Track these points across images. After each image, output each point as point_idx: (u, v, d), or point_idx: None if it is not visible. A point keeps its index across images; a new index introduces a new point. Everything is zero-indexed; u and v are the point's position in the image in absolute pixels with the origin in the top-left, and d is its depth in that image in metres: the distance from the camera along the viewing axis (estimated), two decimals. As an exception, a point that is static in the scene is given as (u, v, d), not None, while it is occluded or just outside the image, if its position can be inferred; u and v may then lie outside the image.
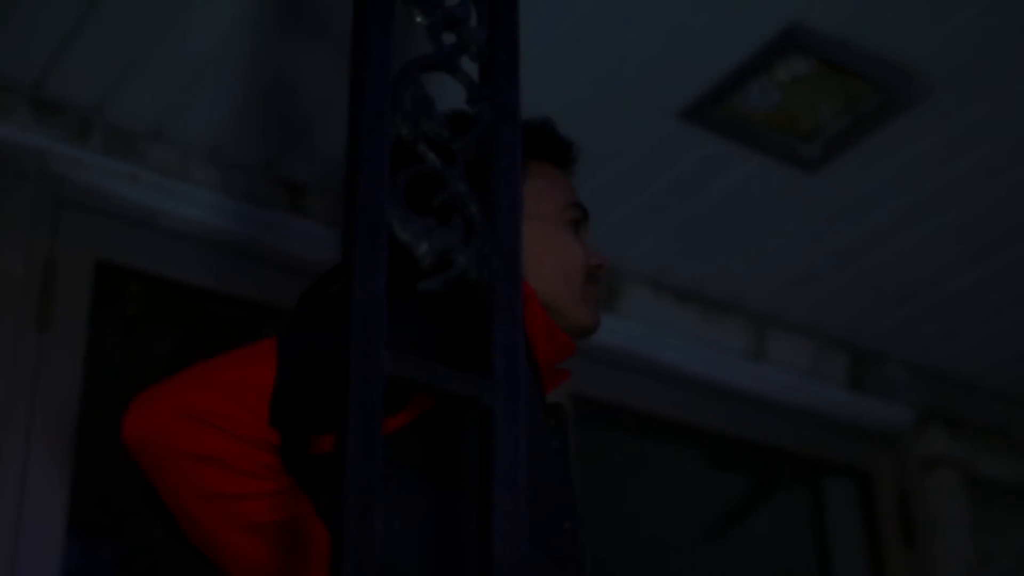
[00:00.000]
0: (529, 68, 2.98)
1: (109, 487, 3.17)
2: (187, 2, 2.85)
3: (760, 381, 3.93)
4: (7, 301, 2.94)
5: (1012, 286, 3.85)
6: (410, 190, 1.15)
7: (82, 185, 3.08)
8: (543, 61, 2.99)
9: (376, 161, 1.11)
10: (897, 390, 4.16)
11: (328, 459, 1.75)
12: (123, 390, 3.22)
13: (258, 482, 1.73)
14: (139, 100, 3.09)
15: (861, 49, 3.03)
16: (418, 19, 1.22)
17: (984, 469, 4.22)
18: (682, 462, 4.17)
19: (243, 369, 1.75)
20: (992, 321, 4.00)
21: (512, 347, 1.13)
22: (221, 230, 3.20)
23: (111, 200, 3.11)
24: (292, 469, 1.76)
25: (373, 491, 1.02)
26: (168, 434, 1.71)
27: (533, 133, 2.15)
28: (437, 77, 1.23)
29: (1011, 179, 3.44)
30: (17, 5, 2.84)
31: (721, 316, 3.89)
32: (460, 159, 1.18)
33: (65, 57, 2.97)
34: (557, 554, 1.85)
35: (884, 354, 4.16)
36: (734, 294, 3.87)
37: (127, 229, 3.15)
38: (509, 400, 1.11)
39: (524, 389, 1.12)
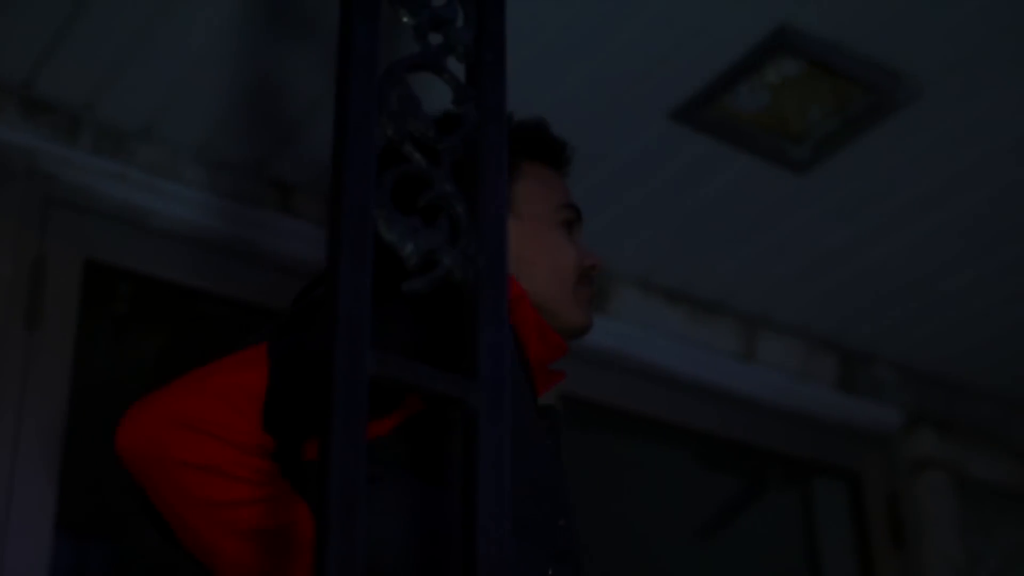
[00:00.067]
0: (519, 68, 2.98)
1: (99, 487, 3.17)
2: (176, 2, 2.85)
3: (750, 382, 3.93)
4: (-5, 300, 2.94)
5: (1002, 288, 3.85)
6: (396, 190, 1.15)
7: (71, 184, 3.08)
8: (533, 61, 2.99)
9: (361, 161, 1.11)
10: (886, 391, 4.16)
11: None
12: (112, 390, 3.23)
13: (253, 488, 1.73)
14: (128, 99, 3.09)
15: (851, 51, 3.04)
16: (404, 19, 1.21)
17: (973, 471, 4.22)
18: (672, 463, 4.17)
19: (235, 375, 1.75)
20: (982, 323, 4.00)
21: (497, 348, 1.13)
22: (210, 230, 3.20)
23: (100, 199, 3.11)
24: (288, 474, 1.76)
25: (357, 491, 1.02)
26: (162, 444, 1.71)
27: (526, 133, 2.15)
28: (424, 78, 1.23)
29: (1001, 181, 3.44)
30: (6, 4, 2.84)
31: (711, 317, 3.90)
32: (446, 159, 1.18)
33: (54, 56, 2.97)
34: (553, 552, 1.85)
35: (874, 355, 4.16)
36: (724, 295, 3.87)
37: (116, 228, 3.14)
38: (494, 401, 1.11)
39: (509, 390, 1.12)
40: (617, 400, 3.80)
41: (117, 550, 3.46)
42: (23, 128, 3.05)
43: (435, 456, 1.81)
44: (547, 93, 3.04)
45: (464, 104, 1.21)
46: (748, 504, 4.22)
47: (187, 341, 3.42)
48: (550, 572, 1.82)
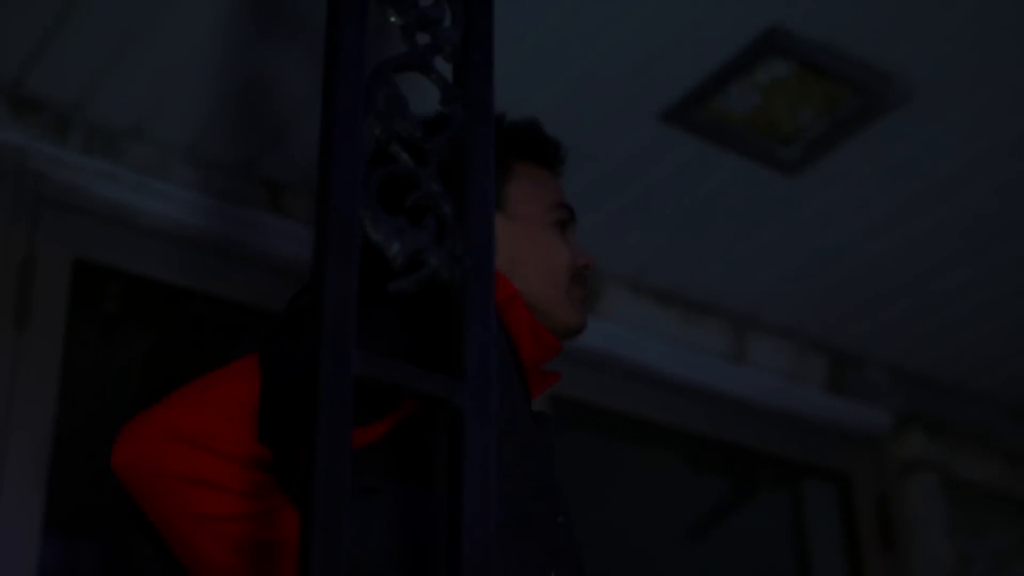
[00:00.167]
0: (510, 69, 2.99)
1: (88, 488, 3.16)
2: (167, 2, 2.84)
3: (740, 383, 3.94)
4: (-16, 298, 2.93)
5: (992, 289, 3.85)
6: (383, 190, 1.15)
7: (61, 183, 3.08)
8: (523, 62, 2.99)
9: (348, 161, 1.10)
10: (877, 393, 4.16)
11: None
12: (101, 389, 3.22)
13: (251, 502, 1.72)
14: (119, 99, 3.08)
15: (841, 52, 3.04)
16: (392, 19, 1.21)
17: (963, 472, 4.22)
18: (662, 464, 4.17)
19: (227, 387, 1.75)
20: (972, 324, 4.00)
21: (484, 348, 1.13)
22: (200, 229, 3.19)
23: (90, 198, 3.11)
24: (285, 486, 1.76)
25: (342, 492, 1.01)
26: (157, 459, 1.70)
27: (519, 133, 2.15)
28: (411, 78, 1.23)
29: (991, 182, 3.44)
30: (-4, 3, 2.84)
31: (701, 318, 3.90)
32: (433, 159, 1.18)
33: (45, 55, 2.97)
34: (552, 548, 1.86)
35: (864, 357, 4.16)
36: (714, 296, 3.87)
37: (106, 228, 3.14)
38: (480, 401, 1.10)
39: (496, 390, 1.12)
40: (607, 401, 3.80)
41: (106, 550, 3.46)
42: (13, 127, 3.05)
43: (428, 460, 1.81)
44: (537, 94, 3.04)
45: (451, 104, 1.21)
46: (738, 505, 4.22)
47: (177, 341, 3.42)
48: (553, 574, 1.83)
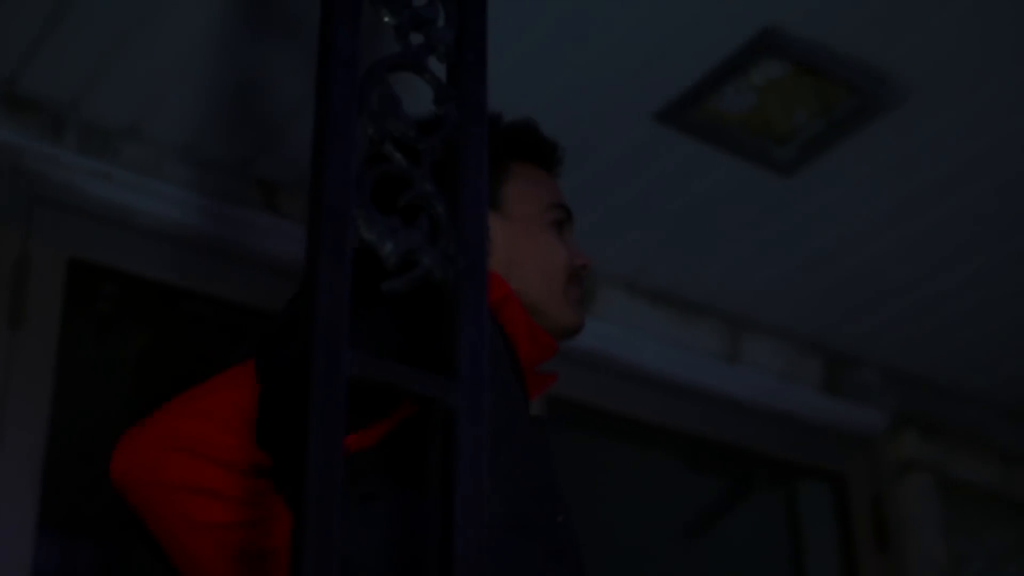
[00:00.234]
0: (505, 69, 2.99)
1: (83, 488, 3.16)
2: (162, 1, 2.84)
3: (735, 384, 3.93)
4: (-21, 298, 2.93)
5: (988, 290, 3.86)
6: (376, 190, 1.15)
7: (56, 183, 3.08)
8: (519, 62, 2.99)
9: (341, 161, 1.10)
10: (871, 394, 4.16)
11: None
12: (96, 389, 3.22)
13: (250, 510, 1.72)
14: (114, 98, 3.08)
15: (836, 53, 3.04)
16: (386, 19, 1.21)
17: (958, 473, 4.22)
18: (657, 464, 4.17)
19: (224, 394, 1.74)
20: (966, 325, 4.01)
21: (477, 348, 1.13)
22: (195, 229, 3.19)
23: (85, 198, 3.10)
24: (283, 491, 1.75)
25: (334, 493, 1.01)
26: (156, 468, 1.70)
27: (516, 134, 2.16)
28: (405, 77, 1.23)
29: (985, 183, 3.44)
30: (-9, 2, 2.84)
31: (696, 318, 3.90)
32: (426, 159, 1.18)
33: (39, 55, 2.96)
34: (554, 547, 1.86)
35: (859, 358, 4.16)
36: (709, 296, 3.87)
37: (101, 227, 3.14)
38: (473, 401, 1.10)
39: (489, 390, 1.12)
40: (602, 401, 3.80)
41: (100, 550, 3.46)
42: (7, 126, 3.04)
43: (425, 464, 1.81)
44: (533, 94, 3.04)
45: (445, 104, 1.21)
46: (733, 505, 4.22)
47: (171, 340, 3.42)
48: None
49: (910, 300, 3.90)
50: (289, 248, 3.20)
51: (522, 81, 3.03)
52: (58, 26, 2.89)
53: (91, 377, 3.23)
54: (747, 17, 2.95)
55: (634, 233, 3.59)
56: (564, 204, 2.16)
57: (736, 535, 4.19)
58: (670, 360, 3.83)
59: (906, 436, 4.15)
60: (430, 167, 1.18)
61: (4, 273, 2.97)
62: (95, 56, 2.97)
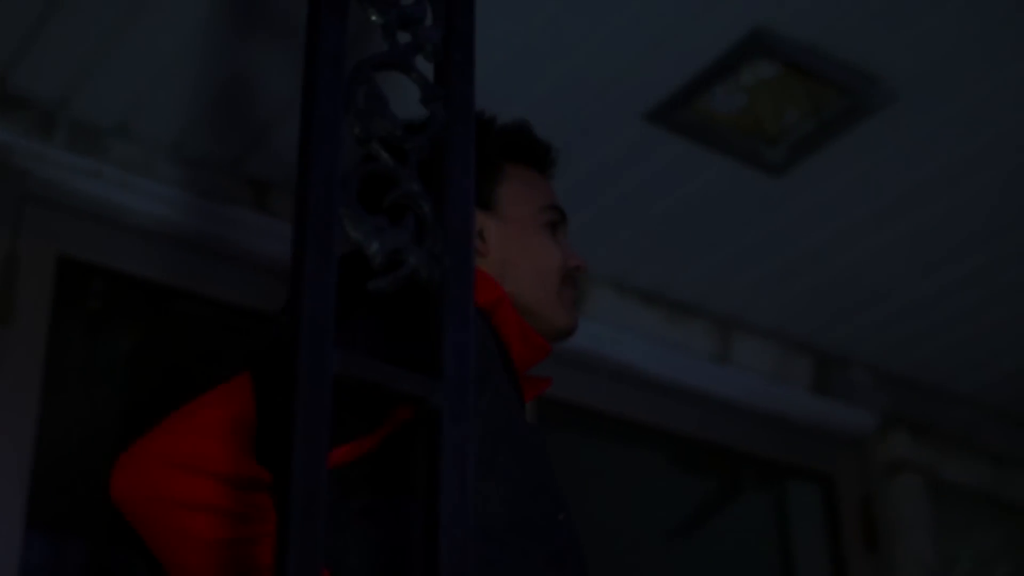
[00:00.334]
0: (495, 69, 2.99)
1: (71, 486, 3.16)
2: (152, -2, 2.84)
3: (724, 384, 3.93)
4: (-33, 296, 2.93)
5: (976, 291, 3.86)
6: (363, 189, 1.15)
7: (45, 180, 3.07)
8: (509, 62, 2.99)
9: (327, 160, 1.10)
10: (861, 394, 4.17)
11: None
12: (85, 387, 3.21)
13: (253, 525, 1.71)
14: (104, 96, 3.08)
15: (826, 54, 3.04)
16: (373, 18, 1.21)
17: (947, 474, 4.23)
18: (645, 464, 4.17)
19: (221, 409, 1.73)
20: (957, 326, 4.01)
21: (463, 347, 1.13)
22: (185, 227, 3.19)
23: (74, 196, 3.10)
24: None
25: (319, 493, 1.01)
26: (156, 486, 1.69)
27: (510, 136, 2.17)
28: (392, 77, 1.23)
29: (976, 184, 3.45)
30: (-20, -1, 2.83)
31: (686, 318, 3.90)
32: (413, 158, 1.18)
33: (29, 52, 2.96)
34: (556, 547, 1.86)
35: (849, 358, 4.16)
36: (699, 296, 3.87)
37: (90, 225, 3.13)
38: (458, 401, 1.10)
39: (474, 390, 1.12)
40: (591, 401, 3.80)
41: (89, 548, 3.45)
42: (-3, 124, 3.04)
43: (421, 473, 1.80)
44: (522, 94, 3.04)
45: (432, 103, 1.21)
46: (722, 505, 4.22)
47: (161, 339, 3.42)
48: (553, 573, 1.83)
49: (900, 301, 3.90)
50: (279, 247, 3.20)
51: (512, 81, 3.03)
52: (48, 24, 2.88)
53: (80, 375, 3.22)
54: (737, 17, 2.95)
55: (624, 233, 3.59)
56: (558, 206, 2.17)
57: (725, 535, 4.19)
58: (660, 360, 3.83)
59: (896, 437, 4.16)
60: (416, 166, 1.18)
61: (-7, 270, 2.97)
62: (85, 54, 2.97)
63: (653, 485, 4.15)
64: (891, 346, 4.11)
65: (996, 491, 4.33)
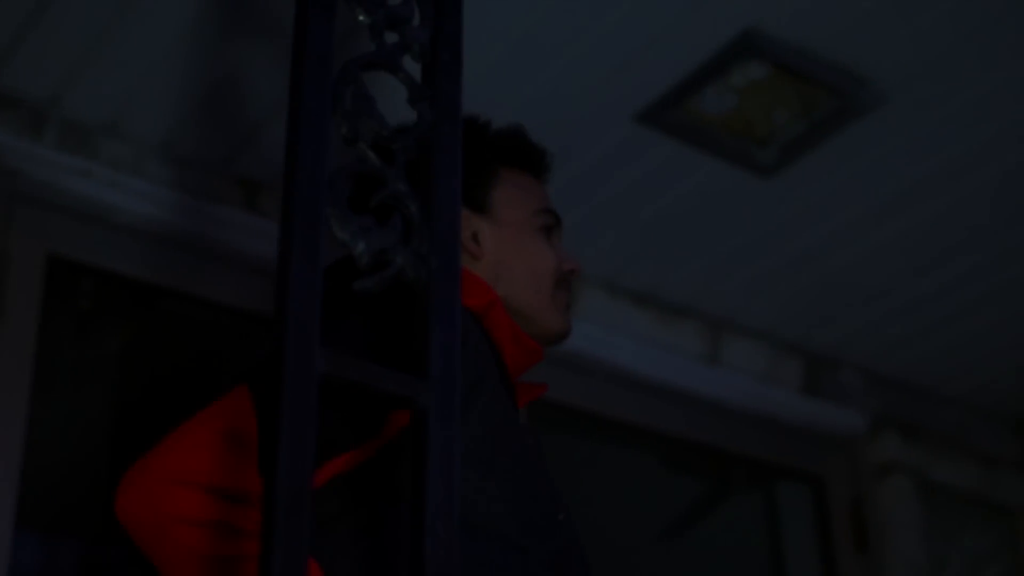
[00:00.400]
0: (485, 69, 2.99)
1: (61, 485, 3.16)
2: (142, -2, 2.84)
3: (715, 385, 3.94)
4: (-43, 295, 2.92)
5: (967, 293, 3.86)
6: (350, 190, 1.14)
7: (35, 179, 3.07)
8: (499, 63, 2.99)
9: (314, 160, 1.10)
10: (851, 396, 4.17)
11: (316, 498, 1.75)
12: (74, 386, 3.21)
13: (257, 541, 1.71)
14: (94, 95, 3.07)
15: (817, 55, 3.04)
16: (360, 18, 1.21)
17: (937, 475, 4.23)
18: (636, 465, 4.17)
19: (221, 424, 1.73)
20: (947, 328, 4.01)
21: (449, 348, 1.13)
22: (175, 226, 3.18)
23: (64, 195, 3.10)
24: None
25: (304, 493, 1.01)
26: (161, 505, 1.69)
27: (505, 140, 2.17)
28: (379, 77, 1.23)
29: (966, 185, 3.45)
30: (-30, -2, 2.83)
31: (676, 320, 3.90)
32: (400, 158, 1.18)
33: (19, 51, 2.96)
34: (558, 546, 1.87)
35: (839, 360, 4.17)
36: (690, 298, 3.87)
37: (80, 224, 3.13)
38: (444, 401, 1.10)
39: (460, 391, 1.12)
40: (582, 402, 3.80)
41: (80, 547, 3.45)
42: (-13, 123, 3.04)
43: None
44: (513, 95, 3.04)
45: (419, 103, 1.21)
46: (712, 506, 4.23)
47: (150, 338, 3.41)
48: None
49: (891, 302, 3.90)
50: (269, 247, 3.19)
51: (502, 82, 3.03)
52: (38, 23, 2.88)
53: (70, 374, 3.22)
54: (728, 19, 2.95)
55: (614, 234, 3.59)
56: (553, 209, 2.18)
57: (716, 536, 4.19)
58: (650, 361, 3.83)
59: (886, 438, 4.16)
60: (404, 166, 1.17)
61: (-18, 269, 2.97)
62: (75, 53, 2.97)
63: (644, 486, 4.15)
64: (881, 348, 4.11)
65: (986, 492, 4.33)
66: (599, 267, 3.70)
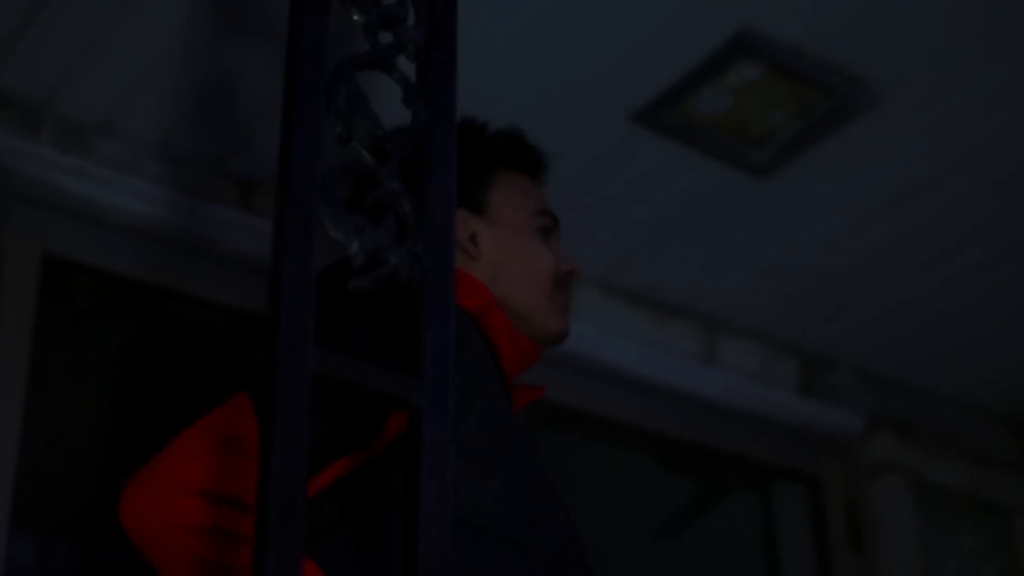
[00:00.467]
0: (480, 69, 2.99)
1: (57, 485, 3.15)
2: (137, -3, 2.84)
3: (710, 385, 3.93)
4: (-48, 294, 2.92)
5: (962, 293, 3.86)
6: (344, 189, 1.14)
7: (30, 178, 3.07)
8: (495, 63, 2.99)
9: (307, 159, 1.10)
10: (847, 396, 4.17)
11: (316, 501, 1.75)
12: (70, 386, 3.21)
13: None
14: (89, 94, 3.07)
15: (812, 55, 3.04)
16: (355, 17, 1.21)
17: (932, 475, 4.23)
18: (631, 465, 4.16)
19: (223, 430, 1.73)
20: (942, 328, 4.01)
21: (443, 347, 1.13)
22: (170, 226, 3.18)
23: (59, 194, 3.10)
24: None
25: (298, 493, 1.01)
26: (167, 514, 1.68)
27: (503, 142, 2.18)
28: (374, 77, 1.23)
29: (961, 185, 3.45)
30: (-35, -3, 2.83)
31: (671, 319, 3.90)
32: (394, 158, 1.18)
33: (15, 50, 2.96)
34: (559, 545, 1.87)
35: (834, 360, 4.17)
36: (685, 298, 3.87)
37: (75, 223, 3.13)
38: (438, 401, 1.10)
39: (453, 390, 1.12)
40: (577, 402, 3.79)
41: (75, 548, 3.45)
42: (-18, 122, 3.04)
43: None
44: (508, 94, 3.04)
45: (414, 103, 1.21)
46: (707, 507, 4.22)
47: (146, 337, 3.41)
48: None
49: (886, 303, 3.90)
50: (264, 246, 3.19)
51: (497, 81, 3.03)
52: (34, 22, 2.88)
53: (65, 373, 3.21)
54: (723, 19, 2.95)
55: (610, 234, 3.59)
56: (550, 211, 2.18)
57: (711, 536, 4.19)
58: (645, 361, 3.83)
59: (881, 438, 4.16)
60: (398, 166, 1.18)
61: (-22, 269, 2.97)
62: (71, 52, 2.96)
63: (638, 486, 4.15)
64: (876, 348, 4.11)
65: (981, 492, 4.33)
66: (594, 267, 3.70)
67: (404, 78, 1.21)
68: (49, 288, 3.08)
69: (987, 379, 4.26)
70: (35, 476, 2.96)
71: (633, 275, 3.77)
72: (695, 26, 2.97)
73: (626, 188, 3.43)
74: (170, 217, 3.18)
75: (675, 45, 3.02)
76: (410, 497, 1.07)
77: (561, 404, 3.75)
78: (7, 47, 2.95)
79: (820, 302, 3.91)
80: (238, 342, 3.36)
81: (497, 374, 1.96)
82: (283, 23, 2.76)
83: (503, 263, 2.08)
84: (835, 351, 4.13)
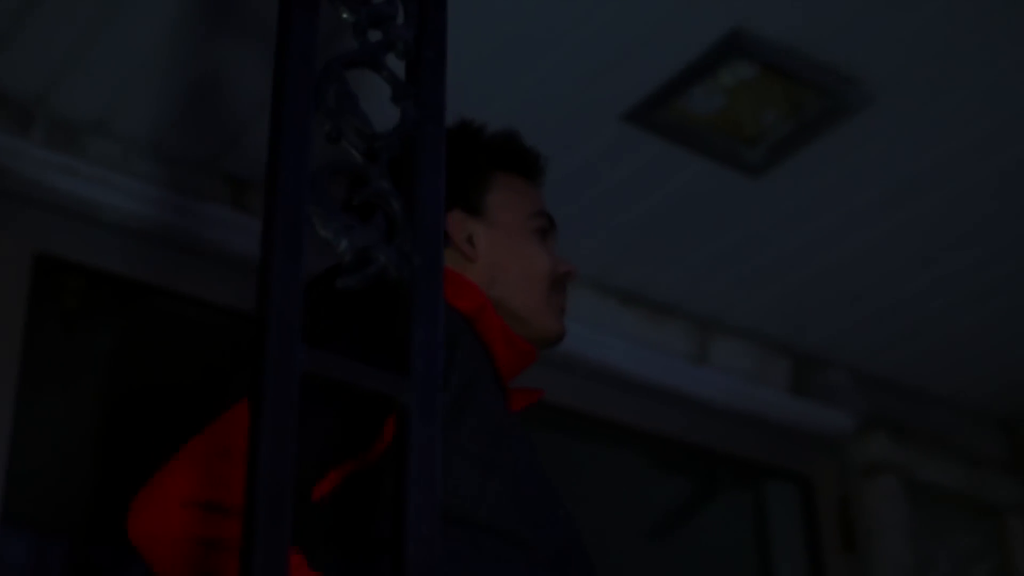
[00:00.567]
0: (470, 68, 2.99)
1: (48, 484, 3.15)
2: (130, -5, 2.84)
3: (703, 385, 3.93)
4: (-57, 293, 2.92)
5: (956, 293, 3.86)
6: (333, 188, 1.14)
7: (22, 177, 3.06)
8: (486, 62, 2.99)
9: (296, 157, 1.10)
10: (840, 395, 4.17)
11: (318, 505, 1.75)
12: (61, 385, 3.20)
13: None
14: (81, 93, 3.07)
15: (805, 55, 3.04)
16: (344, 16, 1.21)
17: (925, 476, 4.23)
18: (623, 464, 4.16)
19: (229, 440, 1.73)
20: (935, 328, 4.01)
21: (432, 346, 1.13)
22: (162, 224, 3.18)
23: (51, 193, 3.09)
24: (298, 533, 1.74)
25: (285, 491, 1.01)
26: (175, 526, 1.69)
27: (499, 144, 2.19)
28: (363, 75, 1.23)
29: (954, 185, 3.45)
30: (-43, -5, 2.83)
31: (664, 319, 3.90)
32: (383, 156, 1.18)
33: (7, 48, 2.95)
34: (561, 543, 1.87)
35: (827, 359, 4.17)
36: (677, 297, 3.87)
37: (67, 222, 3.13)
38: (426, 400, 1.10)
39: (442, 389, 1.12)
40: (569, 401, 3.79)
41: (66, 547, 3.44)
42: (-26, 121, 3.03)
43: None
44: (500, 94, 3.04)
45: (403, 101, 1.21)
46: (699, 507, 4.22)
47: (138, 336, 3.41)
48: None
49: (879, 302, 3.90)
50: (256, 245, 3.16)
51: (489, 81, 3.03)
52: (26, 21, 2.88)
53: (57, 372, 3.21)
54: (716, 18, 2.95)
55: (602, 233, 3.59)
56: (547, 213, 2.19)
57: (703, 536, 4.19)
58: (638, 360, 3.83)
59: (874, 438, 4.16)
60: (387, 164, 1.17)
61: (-31, 267, 2.96)
62: (63, 50, 2.96)
63: (631, 485, 4.15)
64: (869, 348, 4.11)
65: (973, 492, 4.33)
66: (587, 266, 3.69)
67: (393, 76, 1.21)
68: (41, 287, 3.08)
69: (980, 379, 4.26)
70: (26, 476, 2.96)
71: (626, 275, 3.77)
72: (687, 25, 2.97)
73: (618, 188, 3.43)
74: (162, 216, 3.18)
75: (667, 45, 3.02)
76: (398, 496, 1.07)
77: (553, 403, 3.75)
78: (-1, 45, 2.95)
79: (813, 302, 3.91)
80: (231, 341, 3.35)
81: (493, 375, 1.96)
82: (274, 22, 2.76)
83: (500, 264, 2.09)
84: (828, 351, 4.13)
